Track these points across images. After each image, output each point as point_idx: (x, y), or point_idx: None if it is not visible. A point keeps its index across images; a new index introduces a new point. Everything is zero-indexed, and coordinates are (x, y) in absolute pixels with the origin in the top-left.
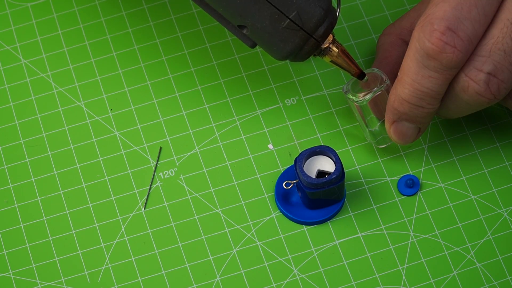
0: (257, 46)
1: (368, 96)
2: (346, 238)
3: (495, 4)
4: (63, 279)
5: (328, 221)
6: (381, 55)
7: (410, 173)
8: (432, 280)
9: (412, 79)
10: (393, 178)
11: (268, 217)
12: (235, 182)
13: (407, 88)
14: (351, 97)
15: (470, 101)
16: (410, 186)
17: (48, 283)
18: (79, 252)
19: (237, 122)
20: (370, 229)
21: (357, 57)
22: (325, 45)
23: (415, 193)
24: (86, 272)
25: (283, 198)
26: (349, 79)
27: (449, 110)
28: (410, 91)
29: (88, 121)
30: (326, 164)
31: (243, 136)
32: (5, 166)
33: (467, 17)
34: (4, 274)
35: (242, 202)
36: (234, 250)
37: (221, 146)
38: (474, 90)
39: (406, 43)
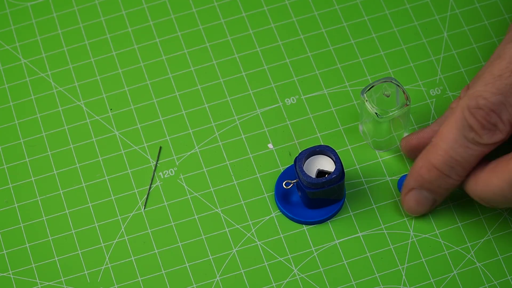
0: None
1: (385, 117)
2: (346, 238)
3: None
4: (63, 279)
5: (328, 221)
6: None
7: None
8: (432, 280)
9: (449, 146)
10: (393, 178)
11: (268, 217)
12: (235, 182)
13: (441, 155)
14: (370, 108)
15: None
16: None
17: (48, 283)
18: (79, 252)
19: (237, 122)
20: (370, 228)
21: (357, 57)
22: None
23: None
24: (86, 272)
25: (283, 198)
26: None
27: (505, 198)
28: (444, 158)
29: (88, 120)
30: (326, 164)
31: (243, 136)
32: (5, 166)
33: (511, 104)
34: (4, 274)
35: (242, 202)
36: (234, 250)
37: (221, 146)
38: None
39: None
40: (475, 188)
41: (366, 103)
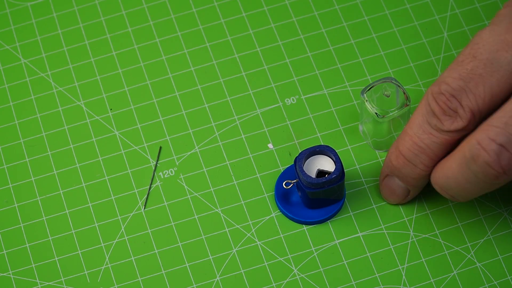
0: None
1: (385, 118)
2: (346, 238)
3: (506, 88)
4: (63, 279)
5: (328, 221)
6: None
7: None
8: (432, 280)
9: (414, 132)
10: None
11: (268, 217)
12: (235, 182)
13: (407, 141)
14: (370, 108)
15: (479, 173)
16: None
17: (48, 283)
18: (79, 252)
19: (237, 122)
20: (370, 228)
21: (357, 57)
22: None
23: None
24: (86, 272)
25: (283, 198)
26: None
27: (459, 184)
28: (409, 144)
29: (88, 120)
30: (326, 164)
31: (243, 136)
32: (5, 166)
33: (472, 92)
34: (4, 274)
35: (242, 202)
36: (234, 250)
37: (221, 146)
38: (484, 160)
39: None
40: (433, 175)
41: (366, 103)
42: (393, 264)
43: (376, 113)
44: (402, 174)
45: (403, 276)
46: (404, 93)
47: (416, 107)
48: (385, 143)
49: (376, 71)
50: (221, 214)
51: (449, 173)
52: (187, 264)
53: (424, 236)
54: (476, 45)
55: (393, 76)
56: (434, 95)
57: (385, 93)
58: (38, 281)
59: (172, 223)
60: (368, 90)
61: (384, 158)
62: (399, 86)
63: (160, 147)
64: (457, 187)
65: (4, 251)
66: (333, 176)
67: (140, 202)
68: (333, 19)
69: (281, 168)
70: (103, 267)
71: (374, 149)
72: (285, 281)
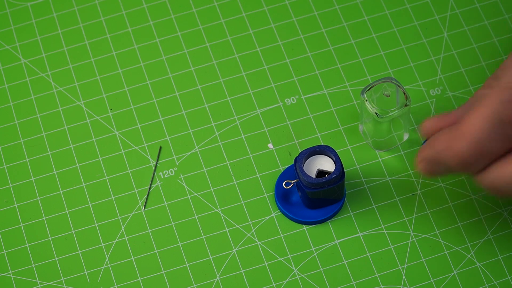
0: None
1: (385, 117)
2: (346, 238)
3: None
4: (63, 279)
5: (328, 221)
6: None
7: (410, 172)
8: (432, 280)
9: (477, 138)
10: (393, 178)
11: (268, 217)
12: (235, 182)
13: (467, 146)
14: (370, 108)
15: None
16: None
17: (48, 283)
18: (79, 252)
19: (237, 122)
20: (370, 228)
21: (357, 57)
22: None
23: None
24: (86, 272)
25: (283, 198)
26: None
27: (509, 186)
28: (470, 149)
29: (88, 120)
30: (326, 164)
31: (243, 136)
32: (5, 166)
33: None
34: (4, 274)
35: (242, 202)
36: (234, 250)
37: (221, 146)
38: None
39: None
40: (487, 176)
41: (366, 103)
42: (393, 264)
43: (376, 113)
44: (453, 170)
45: (403, 276)
46: (404, 93)
47: (476, 108)
48: (385, 143)
49: (376, 71)
50: (221, 214)
51: (508, 178)
52: (187, 264)
53: (424, 236)
54: None
55: (393, 76)
56: (504, 104)
57: (385, 93)
58: (38, 281)
59: (172, 223)
60: (368, 90)
61: (383, 158)
62: (399, 86)
63: (160, 147)
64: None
65: (4, 251)
66: (333, 176)
67: (140, 202)
68: (333, 19)
69: (281, 168)
70: (103, 267)
71: (374, 149)
72: (285, 281)
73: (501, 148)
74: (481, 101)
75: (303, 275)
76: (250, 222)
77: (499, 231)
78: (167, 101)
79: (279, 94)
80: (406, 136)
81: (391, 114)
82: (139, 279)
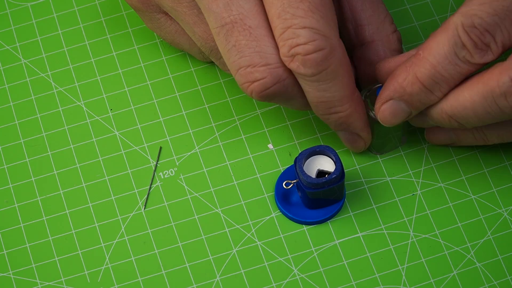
0: None
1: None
2: (346, 238)
3: None
4: (63, 279)
5: (328, 221)
6: None
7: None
8: (432, 280)
9: (438, 61)
10: (393, 178)
11: (268, 217)
12: (235, 182)
13: (427, 69)
14: (368, 110)
15: (507, 108)
16: None
17: (48, 283)
18: (79, 252)
19: (237, 122)
20: (370, 229)
21: None
22: None
23: None
24: (86, 272)
25: (283, 198)
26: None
27: (476, 115)
28: (430, 73)
29: (88, 121)
30: (326, 164)
31: (243, 136)
32: (5, 166)
33: (507, 28)
34: (4, 274)
35: (242, 202)
36: (234, 250)
37: (221, 146)
38: None
39: None
40: (446, 104)
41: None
42: (393, 264)
43: (374, 116)
44: (414, 99)
45: (403, 276)
46: None
47: (435, 34)
48: (383, 146)
49: None
50: (221, 214)
51: (467, 103)
52: (187, 264)
53: (424, 236)
54: None
55: None
56: (466, 29)
57: None
58: (38, 281)
59: (172, 223)
60: (368, 92)
61: (383, 158)
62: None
63: (160, 147)
64: (473, 117)
65: (4, 251)
66: (333, 176)
67: (140, 202)
68: None
69: (281, 168)
70: (103, 267)
71: (372, 151)
72: (285, 281)
73: (459, 73)
74: (442, 25)
75: (303, 275)
76: (250, 222)
77: (499, 231)
78: (167, 101)
79: None
80: (404, 140)
81: None
82: (139, 279)
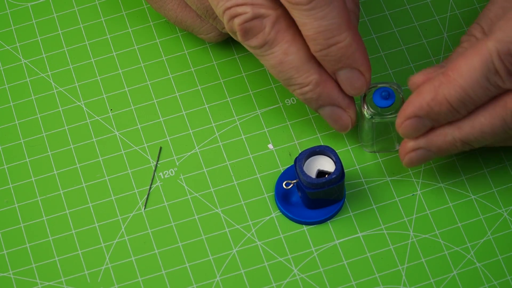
0: None
1: (378, 119)
2: (346, 238)
3: None
4: (63, 279)
5: (328, 221)
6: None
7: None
8: (432, 280)
9: (468, 85)
10: (393, 178)
11: (268, 217)
12: (235, 182)
13: (457, 92)
14: (365, 110)
15: None
16: (385, 98)
17: (48, 283)
18: (79, 252)
19: (237, 122)
20: (370, 229)
21: None
22: None
23: (391, 105)
24: (86, 272)
25: (283, 198)
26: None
27: (494, 137)
28: (460, 96)
29: (88, 121)
30: (326, 164)
31: (243, 136)
32: (5, 166)
33: None
34: (4, 274)
35: (242, 202)
36: (234, 250)
37: (221, 146)
38: None
39: None
40: (458, 133)
41: (362, 108)
42: (393, 264)
43: (372, 116)
44: (439, 118)
45: (403, 276)
46: (401, 95)
47: (466, 56)
48: (379, 145)
49: (376, 72)
50: (221, 214)
51: (486, 128)
52: (187, 264)
53: (424, 236)
54: None
55: (393, 77)
56: (501, 56)
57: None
58: (38, 281)
59: (172, 223)
60: (368, 91)
61: (383, 158)
62: (398, 90)
63: (160, 148)
64: (491, 139)
65: (4, 251)
66: (333, 177)
67: (140, 202)
68: None
69: (281, 168)
70: (103, 267)
71: (368, 151)
72: (285, 281)
73: (487, 96)
74: (474, 48)
75: (303, 275)
76: (250, 222)
77: (499, 231)
78: (167, 102)
79: (279, 94)
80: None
81: (388, 118)
82: (139, 279)
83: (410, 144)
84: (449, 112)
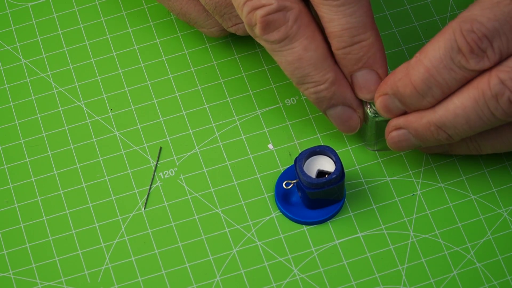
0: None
1: (381, 118)
2: (346, 238)
3: None
4: (63, 279)
5: (328, 221)
6: None
7: (409, 172)
8: (432, 280)
9: (432, 65)
10: (393, 178)
11: (268, 217)
12: (235, 182)
13: (421, 72)
14: (367, 111)
15: (499, 109)
16: None
17: (48, 283)
18: (79, 252)
19: (237, 122)
20: (370, 229)
21: None
22: None
23: None
24: (86, 272)
25: (283, 198)
26: None
27: (468, 121)
28: (424, 76)
29: (88, 121)
30: (326, 164)
31: (243, 136)
32: (5, 166)
33: (506, 34)
34: (4, 274)
35: (242, 202)
36: (234, 250)
37: (221, 146)
38: (508, 97)
39: None
40: (433, 116)
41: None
42: (393, 264)
43: (374, 114)
44: (406, 100)
45: (403, 276)
46: None
47: (433, 38)
48: (381, 144)
49: None
50: (221, 214)
51: (458, 111)
52: (187, 264)
53: (424, 236)
54: None
55: None
56: (463, 32)
57: None
58: (38, 281)
59: (172, 223)
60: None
61: (383, 158)
62: None
63: (160, 148)
64: (465, 124)
65: (4, 251)
66: (333, 177)
67: (140, 202)
68: None
69: (281, 168)
70: (103, 267)
71: (370, 149)
72: (285, 281)
73: (453, 79)
74: (441, 30)
75: (303, 275)
76: (250, 222)
77: (499, 231)
78: (167, 102)
79: (279, 94)
80: None
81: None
82: (139, 279)
83: (392, 122)
84: (414, 95)
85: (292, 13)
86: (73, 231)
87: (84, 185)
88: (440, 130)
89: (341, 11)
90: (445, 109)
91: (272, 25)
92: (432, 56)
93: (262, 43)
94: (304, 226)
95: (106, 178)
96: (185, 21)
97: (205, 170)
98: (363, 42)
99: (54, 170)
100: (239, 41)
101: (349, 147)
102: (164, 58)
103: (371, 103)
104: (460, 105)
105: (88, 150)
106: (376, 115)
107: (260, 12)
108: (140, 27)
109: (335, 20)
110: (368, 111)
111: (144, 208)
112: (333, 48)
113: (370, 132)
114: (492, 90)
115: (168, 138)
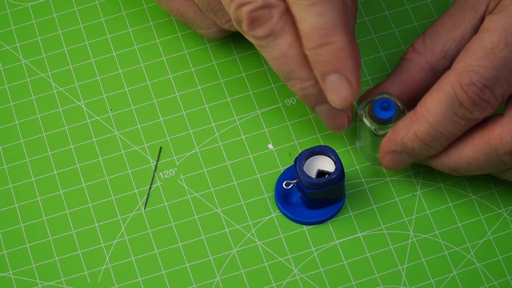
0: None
1: (384, 131)
2: (346, 238)
3: None
4: (63, 279)
5: (328, 221)
6: (404, 74)
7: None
8: (432, 280)
9: (436, 120)
10: (393, 178)
11: (268, 217)
12: (235, 182)
13: (426, 128)
14: (368, 124)
15: (501, 153)
16: (386, 108)
17: (48, 283)
18: (79, 252)
19: (237, 122)
20: (370, 229)
21: None
22: None
23: (391, 117)
24: (86, 272)
25: (283, 198)
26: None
27: (479, 166)
28: (429, 131)
29: (88, 121)
30: (326, 164)
31: (243, 136)
32: (5, 166)
33: (506, 79)
34: (4, 274)
35: (242, 202)
36: (234, 250)
37: (221, 146)
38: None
39: (433, 71)
40: (447, 159)
41: (364, 119)
42: (393, 264)
43: (374, 130)
44: (415, 153)
45: (403, 276)
46: (401, 108)
47: (432, 92)
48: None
49: (376, 72)
50: (221, 214)
51: (471, 160)
52: (187, 264)
53: (424, 236)
54: (505, 31)
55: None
56: (464, 87)
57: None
58: (38, 281)
59: (172, 223)
60: (366, 105)
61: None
62: (396, 101)
63: (160, 148)
64: (478, 170)
65: (4, 251)
66: (333, 177)
67: (140, 202)
68: None
69: (281, 168)
70: (103, 267)
71: (373, 165)
72: (285, 281)
73: (458, 130)
74: (438, 84)
75: (303, 275)
76: (250, 222)
77: (499, 231)
78: (167, 102)
79: (279, 94)
80: None
81: (389, 129)
82: (139, 279)
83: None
84: (423, 148)
85: (277, 10)
86: (73, 231)
87: (84, 185)
88: (454, 171)
89: (311, 11)
90: (457, 157)
91: (258, 21)
92: (434, 112)
93: (250, 39)
94: (304, 226)
95: (106, 178)
96: (184, 23)
97: (205, 170)
98: (333, 45)
99: (54, 170)
100: (239, 41)
101: (349, 147)
102: (164, 58)
103: (370, 119)
104: (473, 155)
105: (88, 150)
106: (377, 130)
107: (246, 9)
108: (140, 27)
109: (306, 20)
110: (369, 124)
111: (144, 208)
112: (305, 48)
113: (375, 150)
114: (505, 147)
115: (168, 138)
